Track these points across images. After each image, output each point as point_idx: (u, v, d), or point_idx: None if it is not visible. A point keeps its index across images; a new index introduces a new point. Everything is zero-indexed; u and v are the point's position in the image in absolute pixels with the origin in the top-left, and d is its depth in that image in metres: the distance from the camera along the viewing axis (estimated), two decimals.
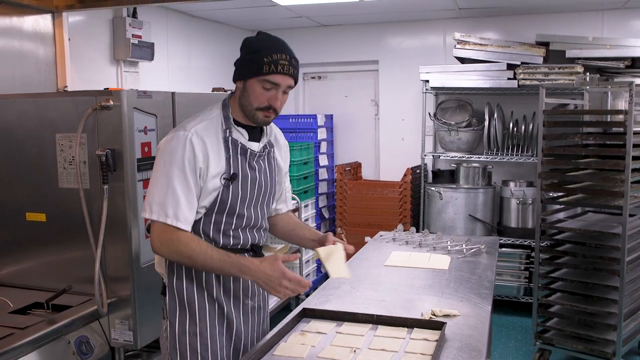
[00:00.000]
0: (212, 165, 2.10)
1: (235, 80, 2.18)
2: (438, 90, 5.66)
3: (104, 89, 2.87)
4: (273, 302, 4.88)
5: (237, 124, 2.20)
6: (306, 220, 5.81)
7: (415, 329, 2.26)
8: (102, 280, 2.81)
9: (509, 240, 5.31)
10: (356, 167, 6.30)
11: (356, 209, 5.81)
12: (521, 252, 5.31)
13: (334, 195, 6.15)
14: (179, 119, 3.09)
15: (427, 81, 5.45)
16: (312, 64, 6.58)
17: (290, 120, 6.08)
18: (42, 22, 3.78)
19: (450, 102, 5.75)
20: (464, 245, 3.47)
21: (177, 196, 2.04)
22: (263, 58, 2.06)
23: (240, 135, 2.20)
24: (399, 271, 3.07)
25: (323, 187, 6.16)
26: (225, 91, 3.70)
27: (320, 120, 6.09)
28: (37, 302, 2.79)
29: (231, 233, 2.20)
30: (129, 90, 2.77)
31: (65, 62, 3.90)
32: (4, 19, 3.51)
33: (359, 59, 6.35)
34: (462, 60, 5.46)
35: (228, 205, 2.15)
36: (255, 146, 2.23)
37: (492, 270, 3.08)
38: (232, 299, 2.25)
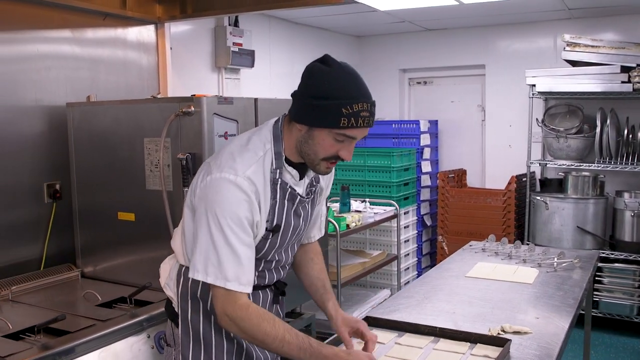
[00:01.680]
0: (262, 214, 1.82)
1: (296, 120, 1.81)
2: (546, 95, 5.38)
3: (191, 95, 3.00)
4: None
5: (288, 162, 1.87)
6: (406, 227, 5.73)
7: (478, 344, 2.16)
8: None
9: (621, 255, 4.94)
10: (461, 174, 6.13)
11: (458, 217, 5.65)
12: (635, 268, 4.92)
13: (437, 203, 6.02)
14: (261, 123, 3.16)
15: (534, 85, 5.19)
16: (417, 69, 6.50)
17: (393, 126, 6.03)
18: (145, 33, 4.02)
19: (559, 107, 5.44)
20: (555, 259, 3.27)
21: (239, 257, 1.75)
22: (341, 109, 1.71)
23: (291, 177, 1.88)
24: (479, 283, 2.95)
25: (426, 194, 6.05)
26: None
27: (424, 126, 5.99)
28: (123, 297, 2.95)
29: (257, 273, 1.92)
30: (210, 96, 2.87)
31: (166, 70, 4.12)
32: (109, 30, 3.77)
33: (465, 64, 6.18)
34: (574, 63, 5.16)
35: (262, 253, 1.89)
36: (302, 187, 1.93)
37: (581, 287, 2.88)
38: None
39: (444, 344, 2.18)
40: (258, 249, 1.86)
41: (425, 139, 5.99)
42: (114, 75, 3.78)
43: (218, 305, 1.77)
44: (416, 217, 5.91)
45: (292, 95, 1.87)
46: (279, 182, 1.84)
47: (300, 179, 1.91)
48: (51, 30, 3.44)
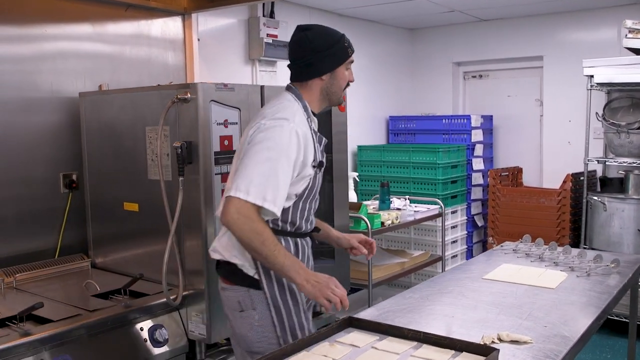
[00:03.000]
0: (309, 154, 2.22)
1: (317, 75, 2.31)
2: (607, 87, 4.95)
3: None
4: None
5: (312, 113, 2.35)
6: (454, 227, 5.45)
7: (463, 352, 1.93)
8: (181, 272, 2.83)
9: None
10: (516, 172, 5.77)
11: (509, 217, 5.31)
12: None
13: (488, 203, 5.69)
14: None
15: (592, 76, 4.79)
16: (471, 62, 6.19)
17: (444, 121, 5.75)
18: (171, 24, 3.97)
19: (622, 100, 5.01)
20: (590, 263, 2.96)
21: (279, 184, 2.11)
22: (344, 45, 2.34)
23: (314, 125, 2.34)
24: (495, 286, 2.69)
25: (477, 193, 5.73)
26: None
27: (475, 121, 5.67)
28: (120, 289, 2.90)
29: (310, 219, 2.34)
30: (206, 83, 2.76)
31: (193, 63, 4.05)
32: (132, 22, 3.73)
33: (521, 55, 5.82)
34: (637, 51, 4.72)
35: (314, 191, 2.30)
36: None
37: (610, 294, 2.56)
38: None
39: (425, 350, 1.96)
40: (312, 187, 2.26)
41: (477, 135, 5.68)
42: (136, 70, 3.75)
43: (232, 209, 2.06)
44: (466, 217, 5.61)
45: (294, 63, 2.38)
46: (312, 131, 2.27)
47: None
48: (70, 24, 3.44)
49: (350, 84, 2.43)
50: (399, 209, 4.69)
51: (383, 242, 5.53)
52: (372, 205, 4.81)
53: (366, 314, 2.32)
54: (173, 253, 2.82)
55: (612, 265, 2.92)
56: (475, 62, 6.17)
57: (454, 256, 5.41)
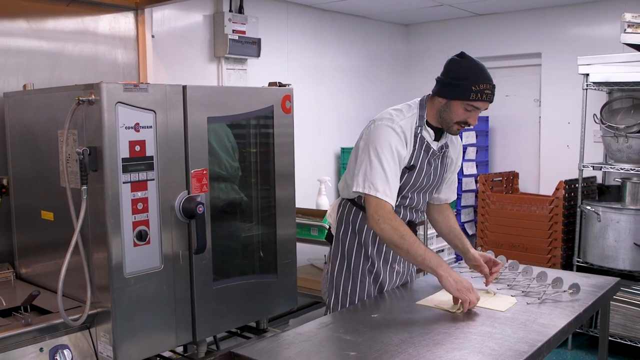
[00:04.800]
0: (405, 156, 2.50)
1: (437, 95, 2.53)
2: (603, 86, 4.56)
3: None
4: None
5: (428, 124, 2.56)
6: (439, 236, 5.11)
7: None
8: (89, 288, 2.59)
9: None
10: (512, 177, 5.40)
11: (499, 226, 4.96)
12: None
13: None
14: (192, 114, 2.77)
15: (588, 75, 4.40)
16: None
17: None
18: (121, 20, 3.73)
19: (624, 101, 4.60)
20: (548, 287, 2.63)
21: (387, 176, 2.44)
22: (471, 86, 2.42)
23: (428, 135, 2.57)
24: (424, 313, 2.38)
25: (469, 200, 5.39)
26: (283, 85, 3.29)
27: None
28: (32, 305, 2.67)
29: (394, 209, 2.53)
30: (113, 83, 2.51)
31: (147, 61, 3.82)
32: (74, 19, 3.51)
33: (519, 52, 5.44)
34: (639, 47, 4.31)
35: (400, 185, 2.53)
36: (436, 145, 2.59)
37: (557, 328, 2.23)
38: (382, 259, 2.67)
39: None
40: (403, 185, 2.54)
41: (468, 137, 5.32)
42: (79, 68, 3.52)
43: (371, 209, 2.46)
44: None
45: (437, 79, 2.60)
46: (419, 136, 2.54)
47: (435, 139, 2.60)
48: (2, 21, 3.23)
49: (467, 125, 2.52)
50: None
51: None
52: None
53: (255, 347, 2.05)
54: (81, 267, 2.59)
55: (570, 291, 2.58)
56: None
57: None
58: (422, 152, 2.56)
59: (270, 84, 3.34)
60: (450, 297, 2.47)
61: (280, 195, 3.24)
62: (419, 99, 2.64)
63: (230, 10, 4.33)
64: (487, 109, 2.54)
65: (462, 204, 5.30)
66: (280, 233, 3.24)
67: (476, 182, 5.36)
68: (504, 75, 5.74)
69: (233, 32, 4.27)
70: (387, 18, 5.72)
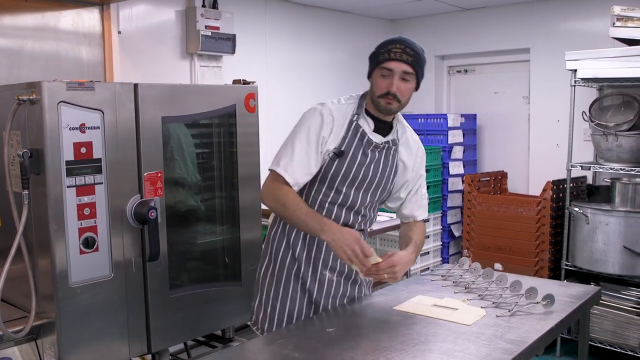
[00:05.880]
0: (332, 139, 2.33)
1: (368, 78, 2.38)
2: (591, 83, 4.38)
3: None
4: None
5: (369, 114, 2.39)
6: (426, 237, 4.95)
7: None
8: (34, 298, 2.46)
9: None
10: (500, 177, 5.23)
11: (485, 228, 4.79)
12: None
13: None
14: (145, 113, 2.63)
15: (576, 71, 4.23)
16: (456, 55, 5.67)
17: (419, 120, 5.26)
18: (85, 16, 3.59)
19: (613, 97, 4.43)
20: (522, 297, 2.47)
21: (293, 154, 2.30)
22: (380, 50, 2.29)
23: (366, 124, 2.38)
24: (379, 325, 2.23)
25: (455, 200, 5.23)
26: (247, 83, 3.14)
27: (454, 121, 5.15)
28: None
29: (326, 206, 2.38)
30: (54, 81, 2.36)
31: (112, 59, 3.67)
32: (33, 15, 3.36)
33: (507, 48, 5.26)
34: (629, 42, 4.14)
35: (329, 178, 2.35)
36: (377, 138, 2.38)
37: (525, 344, 2.06)
38: (311, 265, 2.43)
39: None
40: (326, 171, 2.35)
41: (455, 136, 5.16)
42: (39, 66, 3.39)
43: (265, 182, 2.36)
44: (440, 227, 5.12)
45: None
46: (354, 124, 2.36)
47: (378, 132, 2.39)
48: None
49: (394, 95, 2.27)
50: None
51: None
52: None
53: None
54: (25, 276, 2.45)
55: (544, 302, 2.42)
56: (460, 56, 5.64)
57: (425, 270, 4.92)
58: (357, 140, 2.36)
59: (234, 81, 3.20)
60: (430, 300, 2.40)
61: (244, 198, 3.10)
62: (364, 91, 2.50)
63: (204, 6, 4.17)
64: (409, 73, 2.26)
65: (448, 205, 5.14)
66: (245, 237, 3.11)
67: (463, 182, 5.19)
68: (492, 71, 5.58)
69: (206, 28, 4.11)
70: (371, 13, 5.56)
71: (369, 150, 2.38)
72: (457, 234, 5.22)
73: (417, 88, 2.40)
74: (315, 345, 2.06)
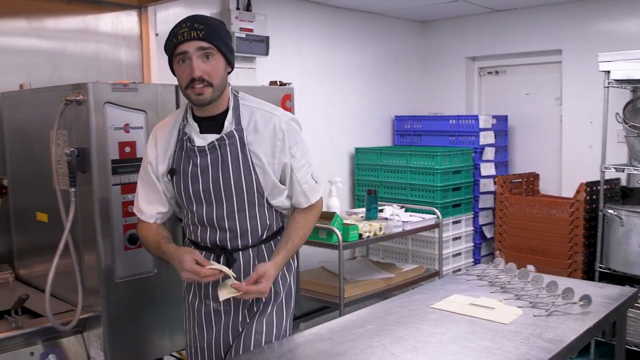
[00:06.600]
0: (160, 161, 2.15)
1: (173, 74, 2.13)
2: (625, 84, 4.35)
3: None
4: None
5: (196, 118, 2.14)
6: (457, 238, 4.98)
7: None
8: (81, 292, 2.53)
9: None
10: (532, 178, 5.21)
11: (518, 230, 4.78)
12: None
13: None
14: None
15: (609, 72, 4.21)
16: (487, 57, 5.66)
17: (451, 122, 5.27)
18: (124, 19, 3.68)
19: None
20: (558, 298, 2.48)
21: (138, 189, 2.22)
22: (169, 36, 2.02)
23: (192, 129, 2.13)
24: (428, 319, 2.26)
25: (487, 202, 5.22)
26: (283, 84, 3.19)
27: (485, 122, 5.15)
28: (26, 308, 2.61)
29: (191, 228, 2.21)
30: (101, 82, 2.44)
31: (150, 60, 3.75)
32: (75, 17, 3.45)
33: (539, 49, 5.25)
34: None
35: (182, 199, 2.16)
36: (204, 140, 2.10)
37: (563, 344, 2.08)
38: (198, 297, 2.25)
39: None
40: (174, 191, 2.18)
41: (486, 137, 5.16)
42: (81, 67, 3.48)
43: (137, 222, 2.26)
44: (472, 228, 5.12)
45: None
46: (181, 133, 2.13)
47: (206, 131, 2.10)
48: (1, 20, 3.18)
49: (200, 79, 1.98)
50: (386, 219, 4.27)
51: (380, 253, 5.12)
52: (361, 214, 4.41)
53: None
54: (72, 271, 2.53)
55: (581, 303, 2.43)
56: (491, 57, 5.64)
57: (457, 270, 4.93)
58: (184, 151, 2.10)
59: (271, 82, 3.25)
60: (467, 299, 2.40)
61: None
62: None
63: (238, 8, 4.24)
64: (205, 49, 1.97)
65: (479, 207, 5.14)
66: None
67: (494, 183, 5.19)
68: (523, 72, 5.56)
69: (240, 30, 4.18)
70: (402, 15, 5.59)
71: (196, 157, 2.09)
72: (488, 235, 5.22)
73: (230, 65, 2.12)
74: (356, 341, 2.10)
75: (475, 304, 2.46)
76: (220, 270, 2.00)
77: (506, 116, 5.42)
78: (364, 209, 4.38)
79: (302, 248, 3.01)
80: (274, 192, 2.16)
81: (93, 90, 2.40)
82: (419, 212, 4.57)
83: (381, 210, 4.36)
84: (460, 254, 5.02)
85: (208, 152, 2.09)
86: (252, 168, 2.09)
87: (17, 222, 3.09)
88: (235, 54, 4.10)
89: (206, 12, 4.16)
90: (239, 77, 4.34)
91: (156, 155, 2.16)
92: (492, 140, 5.21)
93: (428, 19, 5.85)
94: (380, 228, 4.06)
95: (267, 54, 4.36)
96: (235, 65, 4.29)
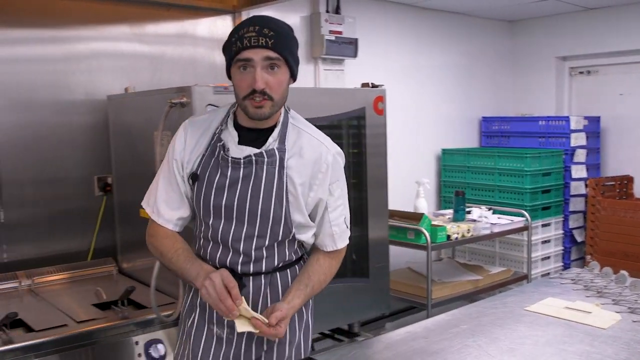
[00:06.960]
0: (188, 160, 1.93)
1: (228, 77, 1.90)
2: None
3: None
4: None
5: (238, 125, 1.92)
6: (546, 242, 4.88)
7: None
8: (182, 285, 2.66)
9: None
10: (626, 181, 5.04)
11: (611, 234, 4.64)
12: None
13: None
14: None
15: None
16: (578, 56, 5.51)
17: (540, 123, 5.16)
18: (219, 23, 3.82)
19: None
20: None
21: (157, 189, 1.98)
22: (231, 39, 1.81)
23: (229, 136, 1.91)
24: (521, 330, 2.25)
25: (578, 205, 5.08)
26: (375, 86, 3.24)
27: (576, 124, 5.02)
28: (130, 299, 2.77)
29: (201, 242, 1.98)
30: (204, 85, 2.56)
31: None
32: (174, 23, 3.62)
33: (634, 48, 5.06)
34: None
35: (199, 209, 1.93)
36: (241, 152, 1.87)
37: None
38: (202, 318, 2.00)
39: None
40: (193, 198, 1.93)
41: (578, 139, 5.02)
42: (179, 70, 3.65)
43: (148, 223, 2.00)
44: (562, 231, 4.99)
45: None
46: (215, 138, 1.90)
47: (244, 142, 1.88)
48: (106, 26, 3.37)
49: (263, 92, 1.76)
50: (474, 221, 4.24)
51: (466, 255, 5.08)
52: (448, 215, 4.40)
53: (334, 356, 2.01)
54: None
55: None
56: (582, 57, 5.48)
57: (546, 274, 4.82)
58: (215, 158, 1.88)
59: (363, 84, 3.30)
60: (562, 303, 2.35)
61: (372, 198, 3.19)
62: None
63: (327, 11, 4.32)
64: (273, 59, 1.76)
65: (570, 209, 5.01)
66: (372, 236, 3.20)
67: (586, 186, 5.05)
68: (617, 72, 5.38)
69: (329, 33, 4.26)
70: (489, 14, 5.52)
71: (229, 169, 1.86)
72: (579, 239, 5.08)
73: (294, 78, 1.88)
74: (452, 340, 2.12)
75: (571, 308, 2.42)
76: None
77: (598, 117, 5.26)
78: (450, 210, 4.36)
79: (389, 248, 3.04)
80: (300, 227, 1.95)
81: (197, 93, 2.53)
82: (506, 215, 4.51)
83: (469, 212, 4.34)
84: (549, 257, 4.91)
85: (242, 165, 1.86)
86: (285, 194, 1.87)
87: (121, 218, 3.28)
88: (325, 56, 4.25)
89: (297, 15, 4.27)
90: (328, 79, 4.42)
91: (184, 153, 1.92)
92: (583, 142, 5.07)
93: (516, 19, 5.76)
94: (469, 230, 4.04)
95: (355, 55, 4.43)
96: (324, 68, 4.46)
